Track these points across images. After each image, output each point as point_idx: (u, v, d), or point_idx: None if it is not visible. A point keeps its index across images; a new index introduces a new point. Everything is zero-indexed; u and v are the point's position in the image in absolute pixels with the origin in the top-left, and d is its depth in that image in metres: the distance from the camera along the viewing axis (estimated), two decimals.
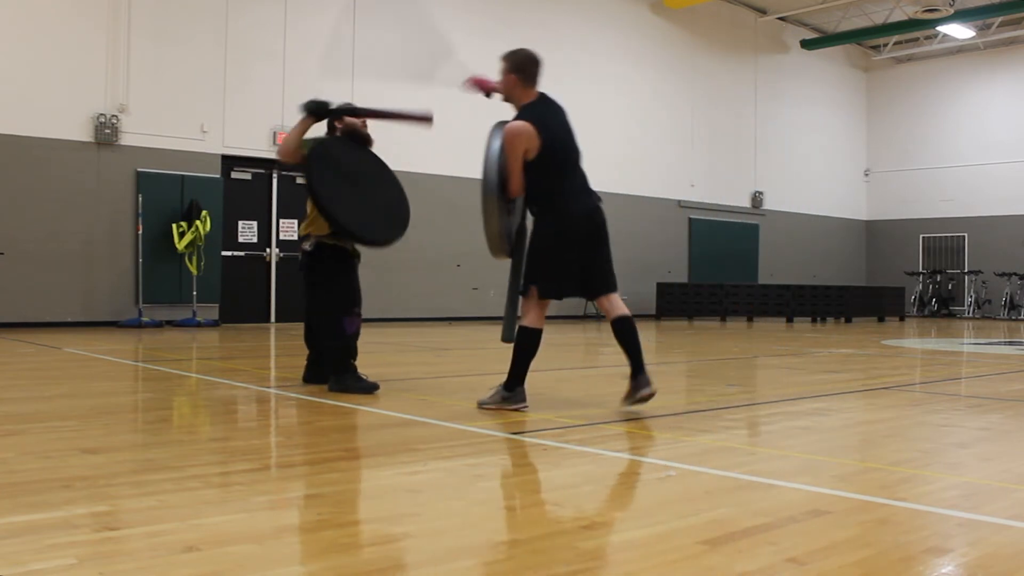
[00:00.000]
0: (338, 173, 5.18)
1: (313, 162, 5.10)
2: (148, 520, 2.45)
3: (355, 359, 5.23)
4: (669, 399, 4.70)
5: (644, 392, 4.46)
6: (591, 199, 4.74)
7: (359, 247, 5.34)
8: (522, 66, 4.64)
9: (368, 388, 5.09)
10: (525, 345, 4.55)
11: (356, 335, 5.22)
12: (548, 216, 4.60)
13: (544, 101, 4.66)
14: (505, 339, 4.66)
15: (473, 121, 15.56)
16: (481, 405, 4.57)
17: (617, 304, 4.66)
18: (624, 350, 4.56)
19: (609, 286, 4.72)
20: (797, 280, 20.07)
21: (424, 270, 14.82)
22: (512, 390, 4.53)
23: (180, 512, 2.53)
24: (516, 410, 4.47)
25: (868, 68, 24.14)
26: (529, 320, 4.56)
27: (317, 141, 5.28)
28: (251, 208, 13.59)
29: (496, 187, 4.46)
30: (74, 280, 11.87)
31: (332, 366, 5.18)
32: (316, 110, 5.20)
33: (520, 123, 4.51)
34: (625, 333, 4.57)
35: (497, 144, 4.53)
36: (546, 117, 4.58)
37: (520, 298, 4.62)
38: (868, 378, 7.04)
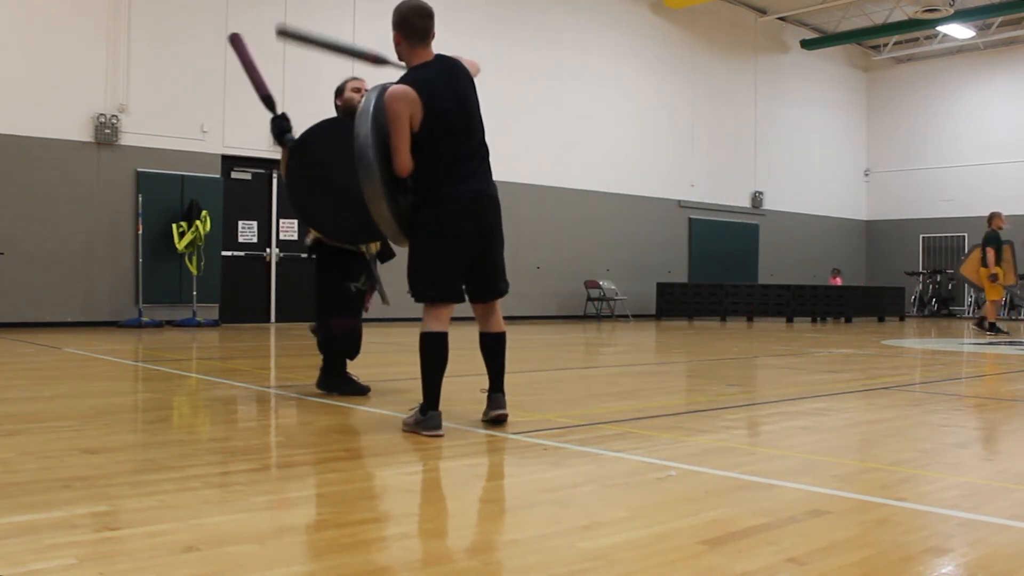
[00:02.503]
0: (316, 176, 4.94)
1: (289, 174, 4.93)
2: (148, 520, 2.45)
3: (346, 361, 5.13)
4: (669, 399, 4.70)
5: (497, 413, 4.06)
6: (481, 184, 3.98)
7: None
8: (404, 20, 3.95)
9: (356, 391, 5.03)
10: (427, 354, 3.86)
11: (346, 337, 5.04)
12: (429, 206, 3.90)
13: (439, 63, 3.96)
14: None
15: None
16: (403, 426, 3.98)
17: (498, 316, 4.15)
18: (488, 367, 4.11)
19: (496, 291, 4.12)
20: (797, 280, 20.07)
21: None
22: (425, 413, 3.84)
23: (180, 512, 2.53)
24: (431, 437, 3.78)
25: (868, 68, 24.14)
26: (428, 323, 3.88)
27: (295, 145, 5.06)
28: (251, 208, 13.59)
29: (374, 163, 3.77)
30: (74, 280, 11.87)
31: (323, 365, 5.16)
32: (278, 134, 5.06)
33: (400, 86, 3.83)
34: (497, 351, 4.11)
35: (370, 108, 3.86)
36: (434, 83, 3.86)
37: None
38: (868, 378, 7.03)
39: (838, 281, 20.62)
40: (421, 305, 3.99)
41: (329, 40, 4.66)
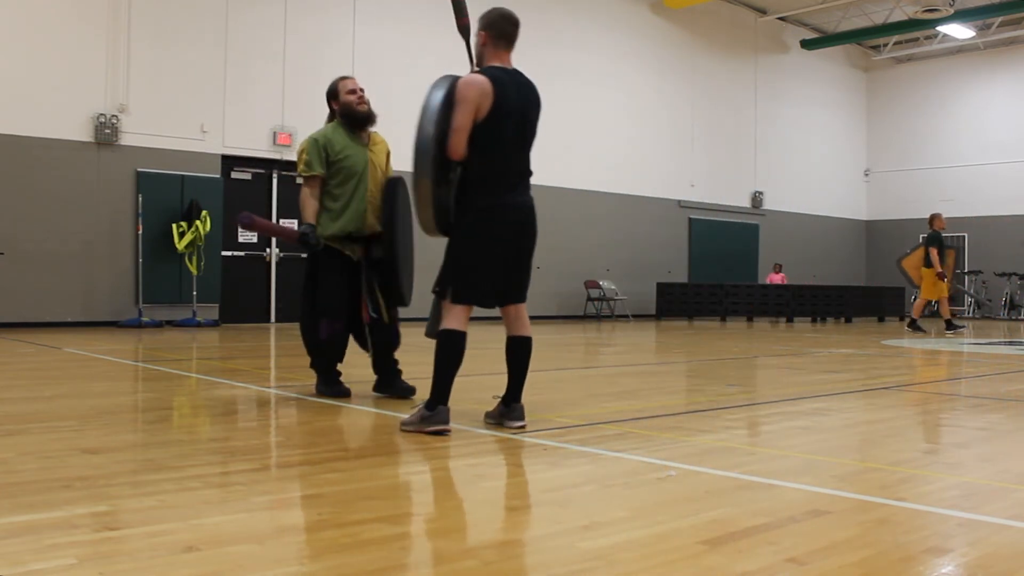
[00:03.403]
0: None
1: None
2: (148, 520, 2.45)
3: (335, 364, 5.07)
4: (669, 399, 4.70)
5: (516, 425, 4.02)
6: (525, 196, 4.12)
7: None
8: (495, 22, 4.01)
9: (338, 394, 4.97)
10: (447, 351, 3.89)
11: (333, 340, 4.95)
12: (476, 209, 3.96)
13: (516, 73, 4.05)
14: (429, 334, 4.07)
15: None
16: (403, 426, 3.97)
17: (525, 319, 4.15)
18: (510, 371, 4.10)
19: (522, 295, 4.18)
20: (797, 280, 20.08)
21: (424, 270, 14.80)
22: (433, 408, 3.85)
23: (180, 512, 2.53)
24: (435, 433, 3.81)
25: (868, 68, 24.14)
26: (450, 321, 3.93)
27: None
28: (251, 208, 13.51)
29: (434, 144, 3.83)
30: (74, 280, 11.87)
31: (313, 367, 5.13)
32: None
33: (478, 75, 3.93)
34: (522, 355, 4.12)
35: (439, 95, 3.90)
36: (507, 86, 3.94)
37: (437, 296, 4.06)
38: (868, 378, 7.03)
39: (781, 279, 19.66)
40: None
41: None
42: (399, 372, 5.08)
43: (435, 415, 3.84)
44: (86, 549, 2.16)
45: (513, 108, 3.97)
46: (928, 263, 13.41)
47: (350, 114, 4.99)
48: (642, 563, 2.15)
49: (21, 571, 1.99)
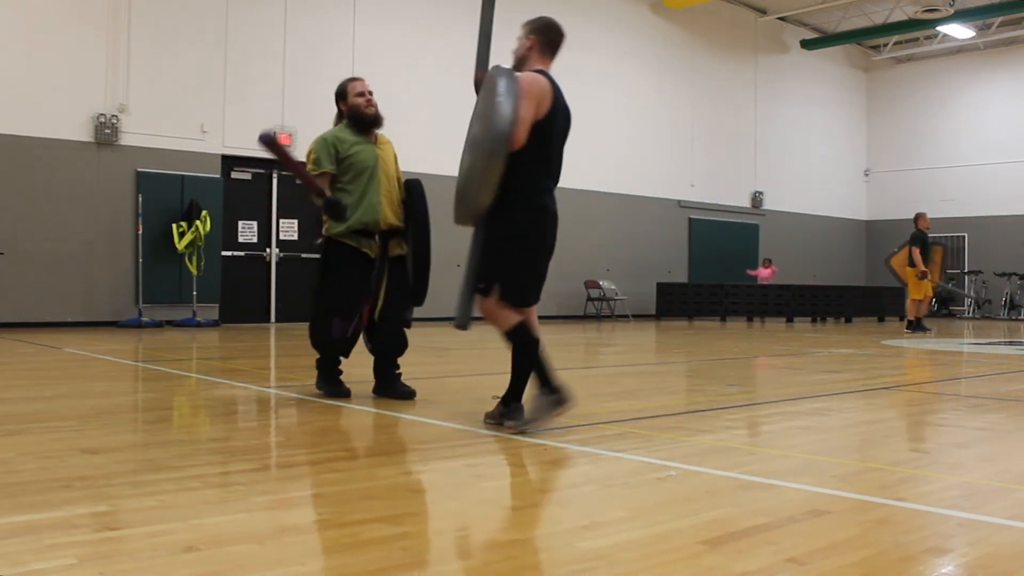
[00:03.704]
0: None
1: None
2: (148, 520, 2.45)
3: (339, 362, 5.07)
4: (669, 399, 4.70)
5: (516, 425, 3.95)
6: (555, 203, 4.18)
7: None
8: (545, 28, 4.11)
9: (337, 394, 4.97)
10: (525, 343, 3.96)
11: (344, 339, 4.94)
12: (531, 205, 3.98)
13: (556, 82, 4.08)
14: (460, 325, 4.02)
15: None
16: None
17: (536, 320, 4.15)
18: (517, 368, 4.05)
19: (538, 298, 4.20)
20: (797, 280, 20.08)
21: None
22: (551, 392, 3.94)
23: (180, 512, 2.53)
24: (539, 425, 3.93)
25: (868, 68, 24.14)
26: (509, 318, 3.94)
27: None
28: (251, 208, 13.59)
29: (509, 131, 3.73)
30: (74, 280, 11.87)
31: (316, 364, 5.11)
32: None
33: (537, 74, 3.97)
34: (534, 357, 4.05)
35: (509, 83, 3.80)
36: (557, 91, 4.01)
37: (477, 297, 4.02)
38: (868, 378, 7.03)
39: (771, 272, 19.23)
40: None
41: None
42: (399, 375, 5.07)
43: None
44: (86, 549, 2.16)
45: (561, 113, 4.03)
46: (912, 262, 13.47)
47: (358, 116, 5.01)
48: (642, 563, 2.15)
49: (21, 571, 1.99)
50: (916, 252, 13.38)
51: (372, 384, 5.10)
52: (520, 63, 4.10)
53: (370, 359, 5.11)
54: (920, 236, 13.52)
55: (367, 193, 4.91)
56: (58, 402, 4.84)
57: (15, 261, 11.40)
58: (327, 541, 2.30)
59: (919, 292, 13.58)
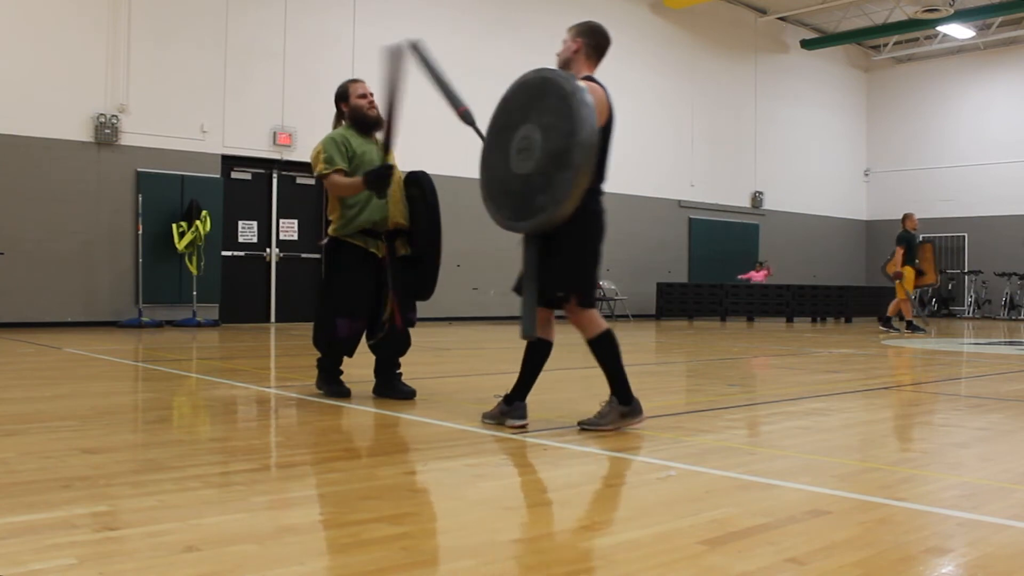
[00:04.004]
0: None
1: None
2: (148, 520, 2.45)
3: (340, 362, 5.07)
4: (669, 399, 4.70)
5: (517, 424, 4.01)
6: None
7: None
8: (595, 32, 4.14)
9: (338, 394, 4.97)
10: (614, 348, 4.04)
11: (349, 339, 4.94)
12: (595, 211, 4.11)
13: None
14: (527, 335, 4.02)
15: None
16: (589, 426, 3.99)
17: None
18: (531, 371, 4.17)
19: None
20: (797, 280, 20.07)
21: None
22: (630, 403, 4.02)
23: (180, 512, 2.53)
24: (638, 426, 3.98)
25: (868, 68, 24.14)
26: (597, 323, 4.07)
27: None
28: (251, 208, 13.59)
29: (595, 141, 3.73)
30: (74, 280, 11.87)
31: (318, 363, 5.11)
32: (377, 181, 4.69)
33: (596, 84, 4.02)
34: (546, 358, 4.18)
35: (586, 95, 3.74)
36: (611, 100, 4.08)
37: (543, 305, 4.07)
38: (868, 378, 7.04)
39: (764, 275, 19.08)
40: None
41: (443, 77, 4.43)
42: (399, 375, 5.07)
43: (632, 408, 3.99)
44: (86, 549, 2.16)
45: (614, 120, 4.10)
46: (904, 262, 13.52)
47: (360, 118, 5.01)
48: (642, 563, 2.15)
49: (21, 571, 1.99)
50: (899, 252, 13.44)
51: (372, 384, 5.10)
52: (565, 66, 4.10)
53: (369, 359, 5.11)
54: (905, 236, 13.58)
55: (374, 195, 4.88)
56: (58, 402, 4.84)
57: (15, 261, 11.40)
58: (327, 541, 2.30)
59: (903, 292, 13.60)
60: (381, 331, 4.98)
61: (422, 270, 4.99)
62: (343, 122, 5.09)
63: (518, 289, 4.07)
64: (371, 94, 5.08)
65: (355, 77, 5.26)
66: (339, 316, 4.88)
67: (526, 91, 3.95)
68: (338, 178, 4.84)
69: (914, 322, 13.76)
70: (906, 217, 13.89)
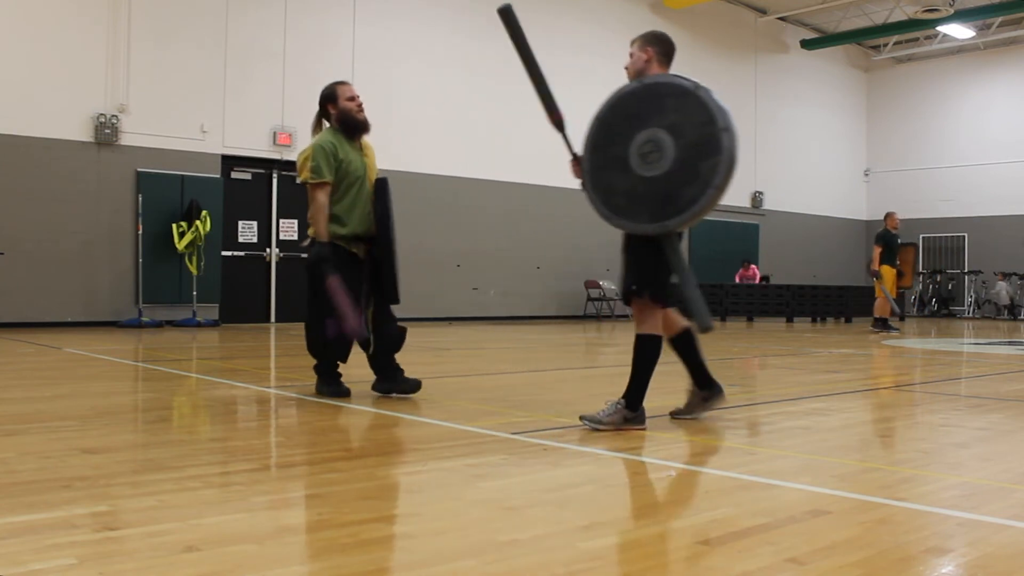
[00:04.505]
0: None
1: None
2: (148, 520, 2.45)
3: (337, 364, 5.07)
4: (669, 399, 4.69)
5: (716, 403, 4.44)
6: None
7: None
8: (663, 41, 4.24)
9: (338, 393, 4.97)
10: (650, 356, 4.16)
11: (340, 339, 4.92)
12: None
13: None
14: (707, 326, 4.07)
15: (475, 124, 15.61)
16: (595, 424, 4.01)
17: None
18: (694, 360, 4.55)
19: None
20: (797, 280, 20.06)
21: (424, 270, 14.83)
22: (636, 409, 4.08)
23: (180, 512, 2.53)
24: (639, 430, 4.05)
25: (868, 68, 24.14)
26: (653, 326, 4.17)
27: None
28: (251, 208, 13.59)
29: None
30: (74, 280, 11.87)
31: (315, 369, 5.12)
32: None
33: None
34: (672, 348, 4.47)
35: (707, 88, 3.97)
36: None
37: (631, 301, 4.19)
38: (868, 378, 7.03)
39: (753, 272, 19.16)
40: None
41: (535, 66, 4.31)
42: (401, 369, 5.07)
43: (638, 416, 4.07)
44: (86, 549, 2.16)
45: None
46: (882, 261, 13.50)
47: (349, 120, 4.99)
48: (642, 563, 2.15)
49: (21, 571, 1.99)
50: (876, 251, 13.46)
51: (371, 383, 5.09)
52: (640, 75, 4.17)
53: (365, 357, 5.11)
54: (884, 236, 13.57)
55: (357, 203, 4.94)
56: (58, 402, 4.84)
57: (15, 261, 11.40)
58: (327, 541, 2.30)
59: (881, 290, 13.61)
60: (370, 340, 4.98)
61: (385, 274, 5.00)
62: (324, 123, 5.06)
63: (627, 296, 4.20)
64: (359, 96, 5.06)
65: (342, 80, 5.22)
66: (327, 316, 4.87)
67: (631, 102, 4.06)
68: (322, 198, 4.85)
69: (888, 321, 13.72)
70: (887, 216, 13.88)
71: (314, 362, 5.12)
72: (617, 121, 4.04)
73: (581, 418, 4.10)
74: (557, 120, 4.24)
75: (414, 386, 4.97)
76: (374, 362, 5.07)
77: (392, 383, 5.01)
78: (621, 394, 4.10)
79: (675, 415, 4.42)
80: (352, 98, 5.01)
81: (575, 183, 4.38)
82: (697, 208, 3.96)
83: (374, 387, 5.08)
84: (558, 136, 4.29)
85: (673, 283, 4.11)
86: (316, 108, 5.10)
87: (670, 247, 4.07)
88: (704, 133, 3.86)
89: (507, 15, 4.20)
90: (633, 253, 4.15)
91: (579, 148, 4.24)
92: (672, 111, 3.92)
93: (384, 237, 4.97)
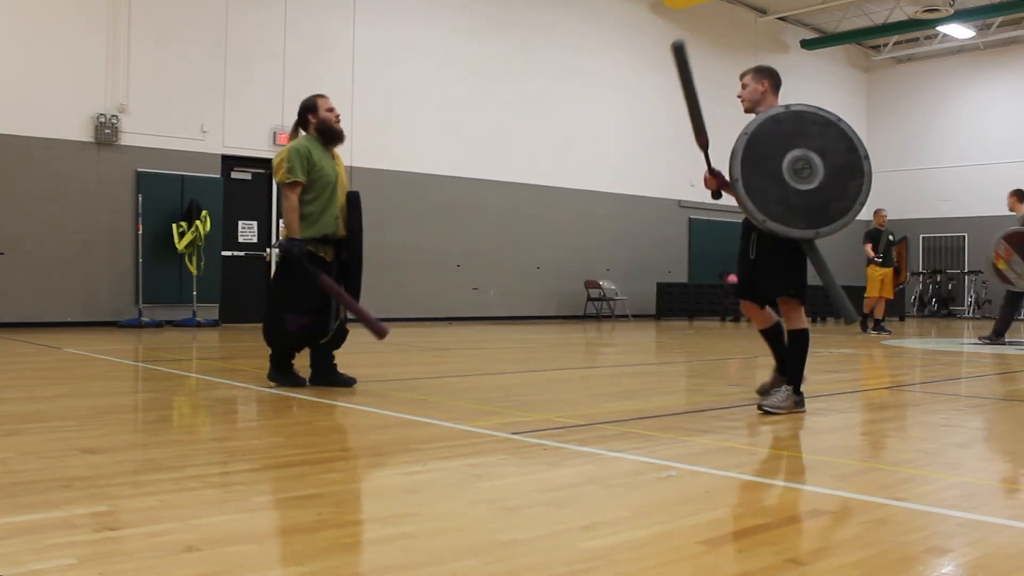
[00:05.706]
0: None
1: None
2: (148, 520, 2.45)
3: (292, 355, 5.45)
4: (669, 399, 4.70)
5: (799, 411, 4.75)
6: None
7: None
8: (775, 76, 4.94)
9: (292, 384, 5.35)
10: (804, 347, 4.75)
11: (298, 333, 5.32)
12: None
13: None
14: (853, 317, 4.78)
15: (475, 124, 15.61)
16: (771, 409, 4.60)
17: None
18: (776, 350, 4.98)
19: None
20: None
21: (424, 270, 14.83)
22: (799, 393, 4.73)
23: (180, 512, 2.53)
24: (802, 412, 4.65)
25: (868, 68, 24.14)
26: (803, 321, 4.76)
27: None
28: (251, 208, 13.59)
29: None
30: (74, 280, 11.87)
31: (270, 358, 5.49)
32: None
33: None
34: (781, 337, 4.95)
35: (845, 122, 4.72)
36: None
37: (785, 301, 4.76)
38: (868, 378, 7.03)
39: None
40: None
41: (694, 98, 5.11)
42: (335, 365, 5.46)
43: (801, 399, 4.72)
44: (86, 549, 2.16)
45: None
46: (868, 261, 13.53)
47: (328, 130, 5.40)
48: (642, 563, 2.15)
49: (21, 571, 1.99)
50: (867, 248, 13.46)
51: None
52: (756, 104, 4.88)
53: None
54: (870, 232, 13.60)
55: (329, 206, 5.33)
56: (58, 402, 4.84)
57: (15, 261, 11.40)
58: (327, 541, 2.30)
59: (874, 290, 13.59)
60: (332, 330, 5.40)
61: (352, 277, 5.45)
62: (302, 131, 5.44)
63: (741, 292, 4.97)
64: (336, 109, 5.48)
65: (321, 93, 5.63)
66: (288, 312, 5.28)
67: (779, 126, 4.65)
68: (293, 197, 5.24)
69: (867, 320, 13.69)
70: (875, 213, 13.86)
71: (269, 352, 5.48)
72: (767, 140, 4.63)
73: (759, 407, 4.65)
74: (703, 142, 5.00)
75: (348, 381, 5.35)
76: (317, 356, 5.44)
77: (329, 377, 5.40)
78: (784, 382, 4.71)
79: (760, 392, 5.07)
80: (331, 109, 5.45)
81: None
82: (847, 219, 4.58)
83: (312, 380, 5.43)
84: (699, 153, 5.13)
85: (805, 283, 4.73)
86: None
87: (815, 251, 4.63)
88: (849, 159, 4.57)
89: (679, 52, 4.84)
90: (784, 257, 4.70)
91: (717, 165, 4.90)
92: (819, 136, 4.58)
93: (354, 244, 5.40)
